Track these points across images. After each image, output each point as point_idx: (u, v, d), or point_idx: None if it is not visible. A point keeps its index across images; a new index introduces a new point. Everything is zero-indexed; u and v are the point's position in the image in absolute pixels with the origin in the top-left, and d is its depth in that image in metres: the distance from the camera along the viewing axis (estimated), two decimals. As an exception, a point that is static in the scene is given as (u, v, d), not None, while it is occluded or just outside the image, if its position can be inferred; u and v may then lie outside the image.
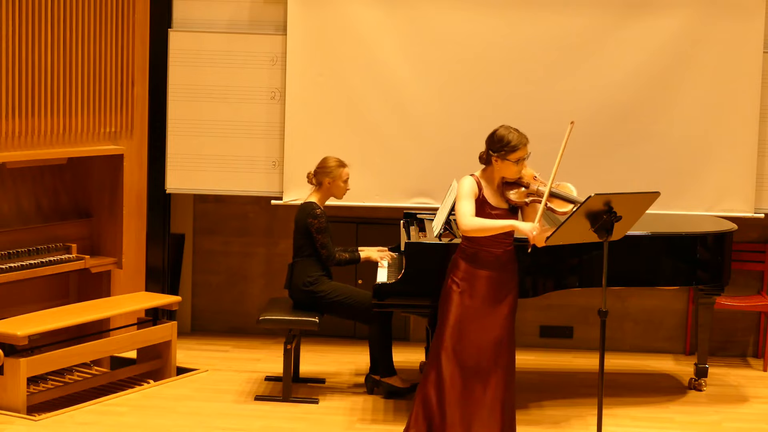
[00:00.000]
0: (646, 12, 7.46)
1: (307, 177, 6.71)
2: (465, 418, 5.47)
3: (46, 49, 6.75)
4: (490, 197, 5.47)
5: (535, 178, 5.50)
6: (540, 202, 5.36)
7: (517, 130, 5.43)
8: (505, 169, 5.44)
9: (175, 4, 7.70)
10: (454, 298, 5.46)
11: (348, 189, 6.74)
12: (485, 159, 5.50)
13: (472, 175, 5.50)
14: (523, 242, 5.53)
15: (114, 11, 7.18)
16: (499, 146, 5.40)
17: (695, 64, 7.50)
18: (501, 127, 5.47)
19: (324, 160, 6.70)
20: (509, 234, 5.48)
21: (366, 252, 6.72)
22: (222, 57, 7.64)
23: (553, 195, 5.41)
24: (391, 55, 7.56)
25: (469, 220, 5.35)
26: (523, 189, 5.47)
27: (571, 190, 5.47)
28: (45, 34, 6.74)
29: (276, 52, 7.62)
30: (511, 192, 5.48)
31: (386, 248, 6.87)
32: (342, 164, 6.68)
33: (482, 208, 5.41)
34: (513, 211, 5.50)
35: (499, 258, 5.47)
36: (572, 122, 5.33)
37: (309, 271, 6.61)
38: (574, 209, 5.28)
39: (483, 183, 5.47)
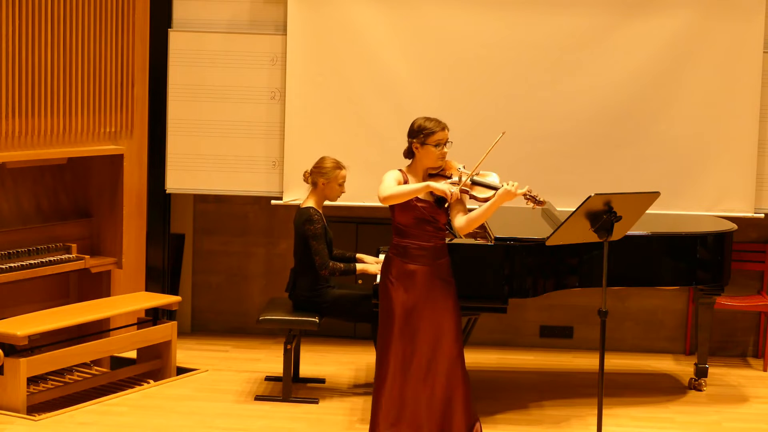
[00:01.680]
0: (646, 12, 7.46)
1: (303, 176, 6.69)
2: (399, 413, 5.40)
3: (46, 49, 6.75)
4: None
5: (459, 170, 5.47)
6: (466, 193, 5.35)
7: (435, 118, 5.47)
8: (426, 157, 5.43)
9: (175, 4, 7.70)
10: (390, 295, 5.42)
11: (343, 192, 6.68)
12: (408, 152, 5.51)
13: (399, 169, 5.49)
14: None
15: (114, 11, 7.18)
16: (418, 132, 5.43)
17: (695, 64, 7.50)
18: (418, 118, 5.51)
19: (321, 160, 6.67)
20: (439, 227, 5.44)
21: (363, 266, 6.58)
22: (222, 57, 7.64)
23: (474, 182, 5.39)
24: (391, 55, 7.56)
25: (386, 189, 5.33)
26: (447, 180, 5.45)
27: (494, 179, 5.43)
28: (45, 34, 6.74)
29: (276, 52, 7.62)
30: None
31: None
32: (339, 166, 6.64)
33: (408, 201, 5.37)
34: (439, 203, 5.42)
35: (429, 251, 5.42)
36: (503, 132, 5.33)
37: (311, 284, 6.58)
38: (575, 209, 5.28)
39: (409, 177, 5.45)
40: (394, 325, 5.41)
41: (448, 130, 5.45)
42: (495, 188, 5.34)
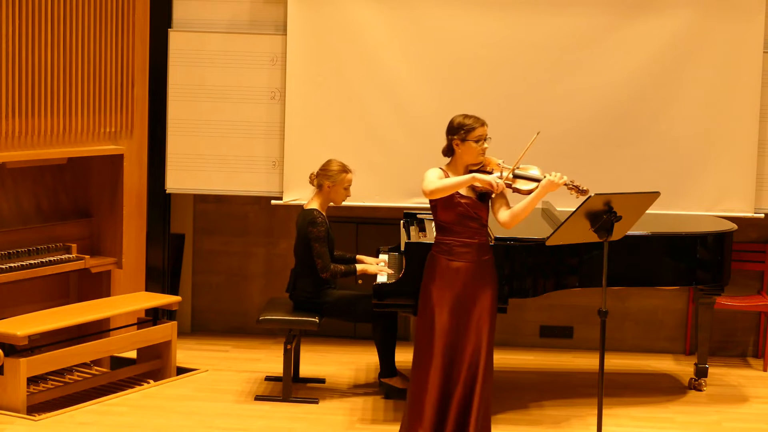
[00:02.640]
0: (646, 12, 7.46)
1: (309, 178, 6.69)
2: (440, 414, 5.42)
3: (46, 49, 6.75)
4: None
5: (499, 164, 5.49)
6: (509, 186, 5.38)
7: (473, 115, 5.48)
8: (467, 153, 5.44)
9: (175, 4, 7.70)
10: (433, 294, 5.43)
11: (349, 196, 6.68)
12: (447, 150, 5.51)
13: (439, 167, 5.50)
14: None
15: (114, 11, 7.18)
16: (458, 129, 5.43)
17: (695, 64, 7.50)
18: (456, 115, 5.51)
19: (327, 163, 6.66)
20: (483, 223, 5.45)
21: (363, 266, 6.58)
22: (222, 57, 7.63)
23: (516, 176, 5.41)
24: (391, 55, 7.56)
25: (431, 183, 5.34)
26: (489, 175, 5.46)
27: (535, 172, 5.46)
28: (45, 34, 6.74)
29: (276, 52, 7.62)
30: None
31: (385, 261, 6.78)
32: (345, 170, 6.63)
33: (451, 198, 5.38)
34: (481, 199, 5.44)
35: (474, 249, 5.44)
36: (538, 132, 5.35)
37: (312, 285, 6.58)
38: (575, 209, 5.28)
39: (450, 174, 5.46)
40: (435, 324, 5.41)
41: (487, 126, 5.46)
42: (537, 180, 5.38)
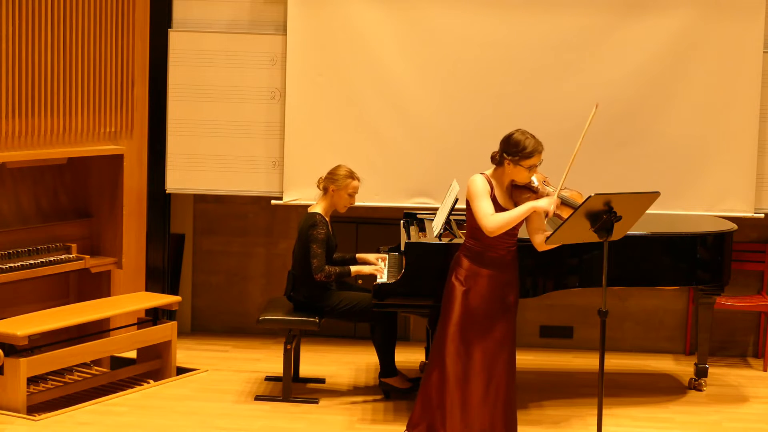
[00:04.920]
0: (646, 12, 7.46)
1: (317, 182, 6.66)
2: (465, 418, 5.47)
3: (46, 49, 6.75)
4: (500, 197, 5.46)
5: (544, 182, 5.49)
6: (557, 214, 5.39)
7: (533, 137, 5.38)
8: (516, 174, 5.42)
9: (175, 4, 7.70)
10: (458, 297, 5.46)
11: (353, 203, 6.67)
12: (498, 160, 5.46)
13: (482, 173, 5.48)
14: (524, 242, 5.55)
15: (114, 11, 7.18)
16: (515, 150, 5.35)
17: (695, 64, 7.50)
18: (518, 131, 5.41)
19: (335, 168, 6.63)
20: (513, 235, 5.47)
21: (357, 268, 6.55)
22: (222, 57, 7.64)
23: (563, 201, 5.41)
24: (391, 55, 7.56)
25: (492, 219, 5.32)
26: (533, 194, 5.45)
27: (581, 198, 5.43)
28: (45, 34, 6.74)
29: (276, 52, 7.62)
30: (522, 197, 5.47)
31: (384, 255, 6.79)
32: (352, 176, 6.61)
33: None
34: None
35: (503, 258, 5.47)
36: (596, 106, 5.33)
37: (312, 289, 6.57)
38: (575, 209, 5.28)
39: (493, 182, 5.45)
40: (456, 326, 5.45)
41: (542, 151, 5.39)
42: (574, 207, 5.33)
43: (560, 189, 5.38)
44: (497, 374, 5.50)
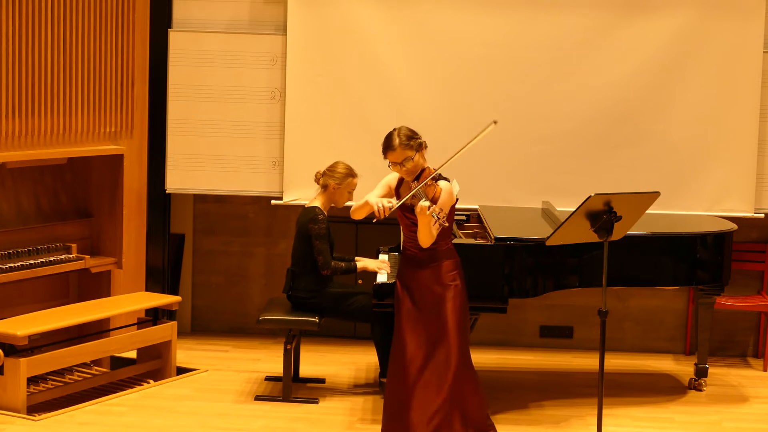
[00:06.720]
0: (646, 12, 7.46)
1: (315, 176, 6.68)
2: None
3: (46, 49, 6.75)
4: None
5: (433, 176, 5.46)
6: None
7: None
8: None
9: (175, 4, 7.70)
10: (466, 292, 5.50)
11: (351, 200, 6.67)
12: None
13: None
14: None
15: (114, 11, 7.18)
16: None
17: (695, 64, 7.50)
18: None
19: (335, 164, 6.66)
20: (412, 238, 5.48)
21: (363, 262, 6.59)
22: (222, 57, 7.64)
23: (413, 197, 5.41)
24: (391, 55, 7.56)
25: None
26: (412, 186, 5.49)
27: (434, 189, 5.38)
28: (45, 34, 6.74)
29: (276, 52, 7.62)
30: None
31: (386, 261, 6.80)
32: (351, 173, 6.64)
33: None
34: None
35: (415, 255, 5.49)
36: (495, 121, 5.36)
37: (312, 285, 6.58)
38: (575, 209, 5.28)
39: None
40: (467, 322, 5.58)
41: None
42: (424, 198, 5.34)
43: (419, 187, 5.36)
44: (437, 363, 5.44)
